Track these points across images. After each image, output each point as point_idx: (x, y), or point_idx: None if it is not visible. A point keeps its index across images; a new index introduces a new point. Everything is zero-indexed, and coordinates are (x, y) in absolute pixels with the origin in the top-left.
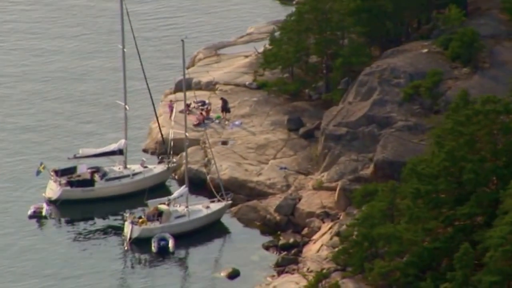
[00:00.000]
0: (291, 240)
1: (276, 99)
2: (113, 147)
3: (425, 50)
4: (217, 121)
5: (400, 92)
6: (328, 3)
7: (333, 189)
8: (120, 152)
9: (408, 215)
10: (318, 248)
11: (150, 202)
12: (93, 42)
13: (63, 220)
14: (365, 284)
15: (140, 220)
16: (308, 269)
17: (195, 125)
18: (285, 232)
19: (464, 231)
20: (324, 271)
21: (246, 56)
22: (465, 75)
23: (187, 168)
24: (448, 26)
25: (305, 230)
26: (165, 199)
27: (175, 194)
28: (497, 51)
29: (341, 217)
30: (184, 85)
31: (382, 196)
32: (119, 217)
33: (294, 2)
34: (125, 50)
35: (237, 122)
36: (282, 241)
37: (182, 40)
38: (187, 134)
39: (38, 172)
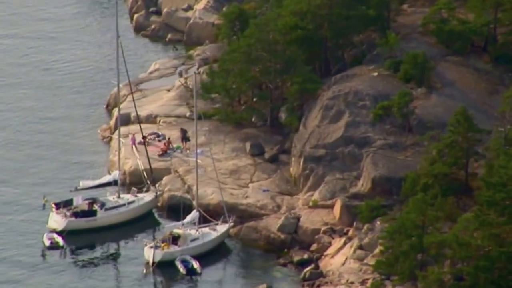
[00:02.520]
0: (305, 256)
1: (225, 127)
2: (108, 178)
3: (375, 74)
4: (178, 151)
5: (369, 113)
6: (270, 34)
7: (329, 206)
8: (115, 183)
9: (479, 222)
10: (343, 261)
11: (167, 227)
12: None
13: (76, 249)
14: None
15: (163, 244)
16: (347, 280)
17: (160, 156)
18: (293, 249)
19: None
20: (372, 280)
21: (168, 90)
22: (422, 95)
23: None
24: (386, 50)
25: (314, 246)
26: (179, 223)
27: (188, 218)
28: (440, 71)
29: (350, 232)
30: (196, 116)
31: (413, 208)
32: (129, 243)
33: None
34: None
35: (199, 151)
36: (296, 257)
37: (195, 72)
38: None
39: (44, 205)
